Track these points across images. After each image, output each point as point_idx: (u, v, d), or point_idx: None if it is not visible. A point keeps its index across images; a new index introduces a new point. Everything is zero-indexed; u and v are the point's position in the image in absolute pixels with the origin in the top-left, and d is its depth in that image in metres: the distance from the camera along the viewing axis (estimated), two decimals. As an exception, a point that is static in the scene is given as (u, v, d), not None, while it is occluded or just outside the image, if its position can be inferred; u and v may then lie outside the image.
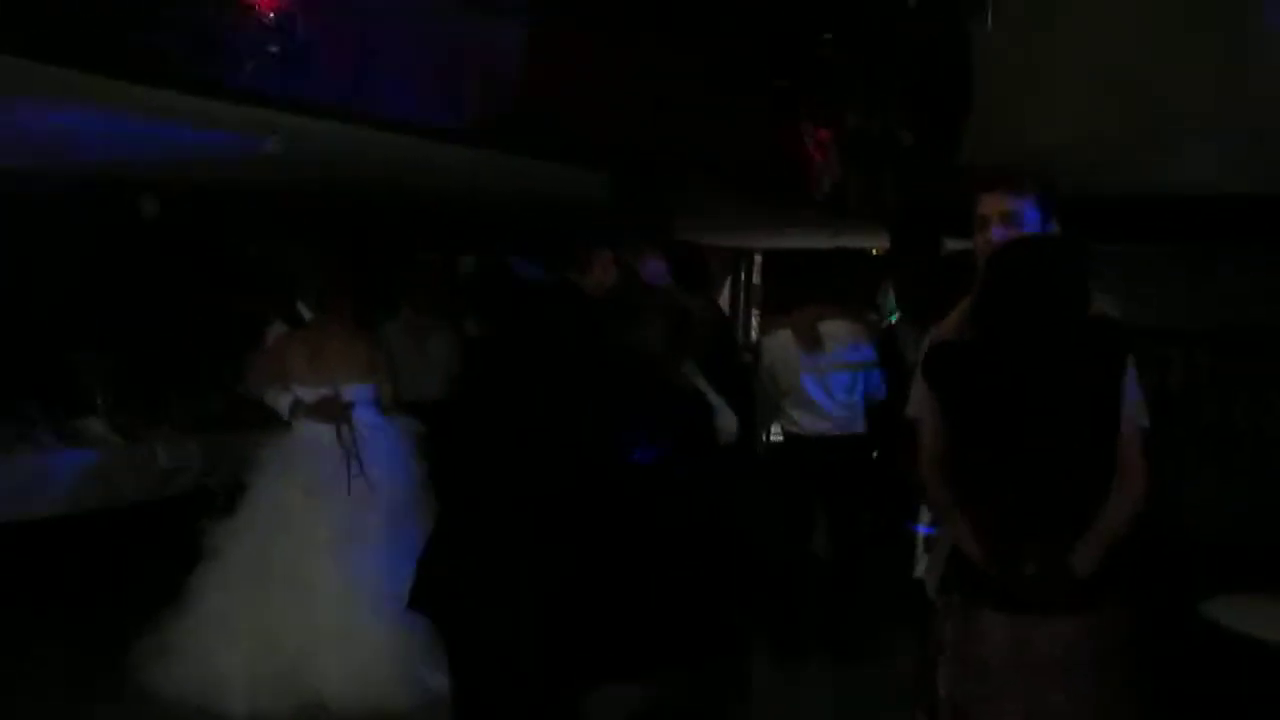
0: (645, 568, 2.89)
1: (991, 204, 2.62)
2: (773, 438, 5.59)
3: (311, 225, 7.38)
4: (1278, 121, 3.45)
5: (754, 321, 12.81)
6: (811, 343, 5.03)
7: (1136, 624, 2.52)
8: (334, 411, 4.54)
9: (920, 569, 6.89)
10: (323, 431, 4.53)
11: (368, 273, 6.08)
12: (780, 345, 5.14)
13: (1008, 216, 2.59)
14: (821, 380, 5.06)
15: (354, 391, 4.63)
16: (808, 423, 5.11)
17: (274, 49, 3.59)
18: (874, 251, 10.80)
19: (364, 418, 4.63)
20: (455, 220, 8.16)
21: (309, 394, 4.58)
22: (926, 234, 7.31)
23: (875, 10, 6.37)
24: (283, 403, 4.62)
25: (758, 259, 13.02)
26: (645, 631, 2.89)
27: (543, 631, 2.81)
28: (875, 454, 5.67)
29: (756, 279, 13.04)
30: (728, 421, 3.28)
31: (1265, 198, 3.46)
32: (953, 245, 7.19)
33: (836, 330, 5.09)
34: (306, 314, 5.14)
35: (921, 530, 7.32)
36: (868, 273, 8.27)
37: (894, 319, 6.99)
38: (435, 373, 6.02)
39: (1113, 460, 2.46)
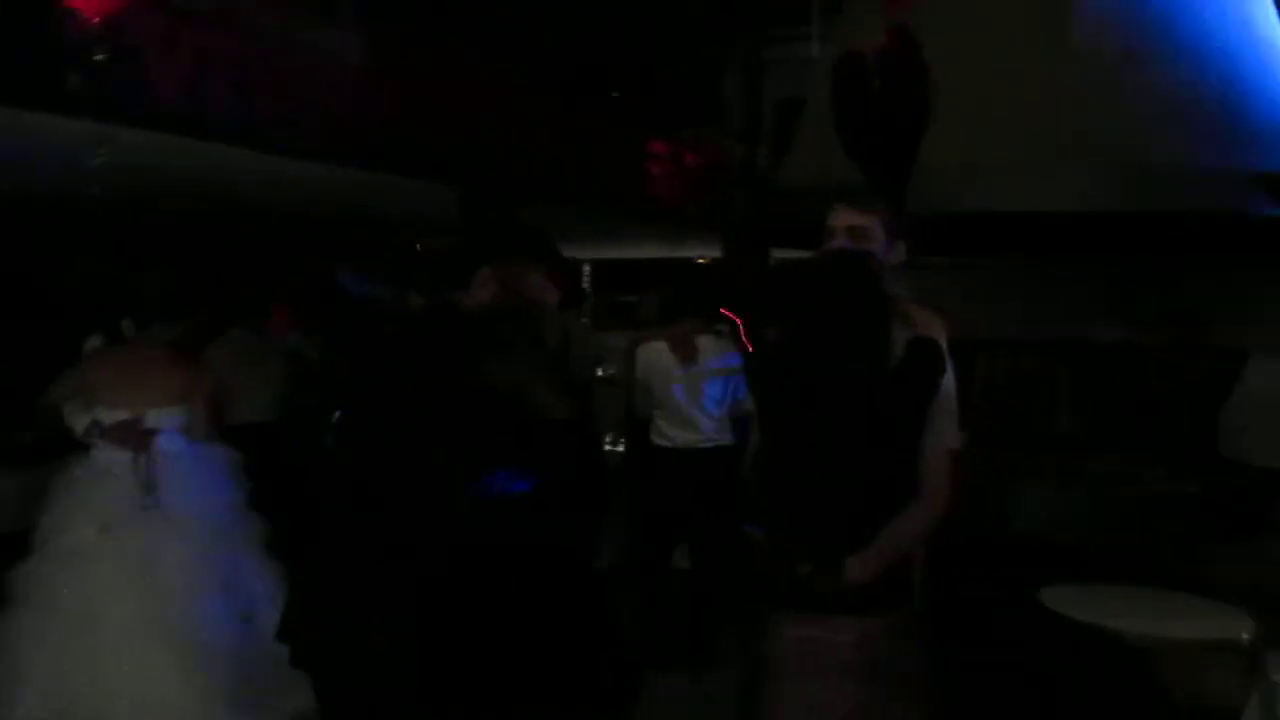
0: (508, 610, 2.76)
1: (840, 217, 2.67)
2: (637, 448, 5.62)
3: (141, 241, 6.97)
4: (1118, 148, 3.73)
5: (584, 322, 12.89)
6: (688, 356, 5.09)
7: (927, 626, 2.61)
8: (133, 438, 4.22)
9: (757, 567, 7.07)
10: (121, 458, 4.21)
11: (199, 290, 5.77)
12: (654, 357, 5.17)
13: (854, 231, 2.64)
14: (694, 393, 5.12)
15: (160, 417, 4.31)
16: (676, 435, 5.17)
17: (101, 57, 3.39)
18: (700, 260, 11.06)
19: (169, 446, 4.32)
20: (294, 236, 7.87)
21: (109, 416, 4.25)
22: (757, 244, 7.52)
23: (718, 27, 6.53)
24: (79, 422, 4.27)
25: (586, 268, 13.11)
26: (515, 676, 2.78)
27: (415, 679, 2.69)
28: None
29: (587, 288, 13.11)
30: None
31: (1104, 215, 3.74)
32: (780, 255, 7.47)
33: (708, 343, 5.17)
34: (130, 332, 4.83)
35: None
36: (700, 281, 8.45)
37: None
38: (267, 394, 5.80)
39: (909, 475, 2.52)
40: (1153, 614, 3.57)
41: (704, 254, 10.43)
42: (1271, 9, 4.58)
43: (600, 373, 5.54)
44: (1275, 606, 3.81)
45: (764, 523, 2.69)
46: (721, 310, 5.82)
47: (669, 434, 5.18)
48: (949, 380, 2.57)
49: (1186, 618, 3.58)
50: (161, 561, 4.11)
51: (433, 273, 3.13)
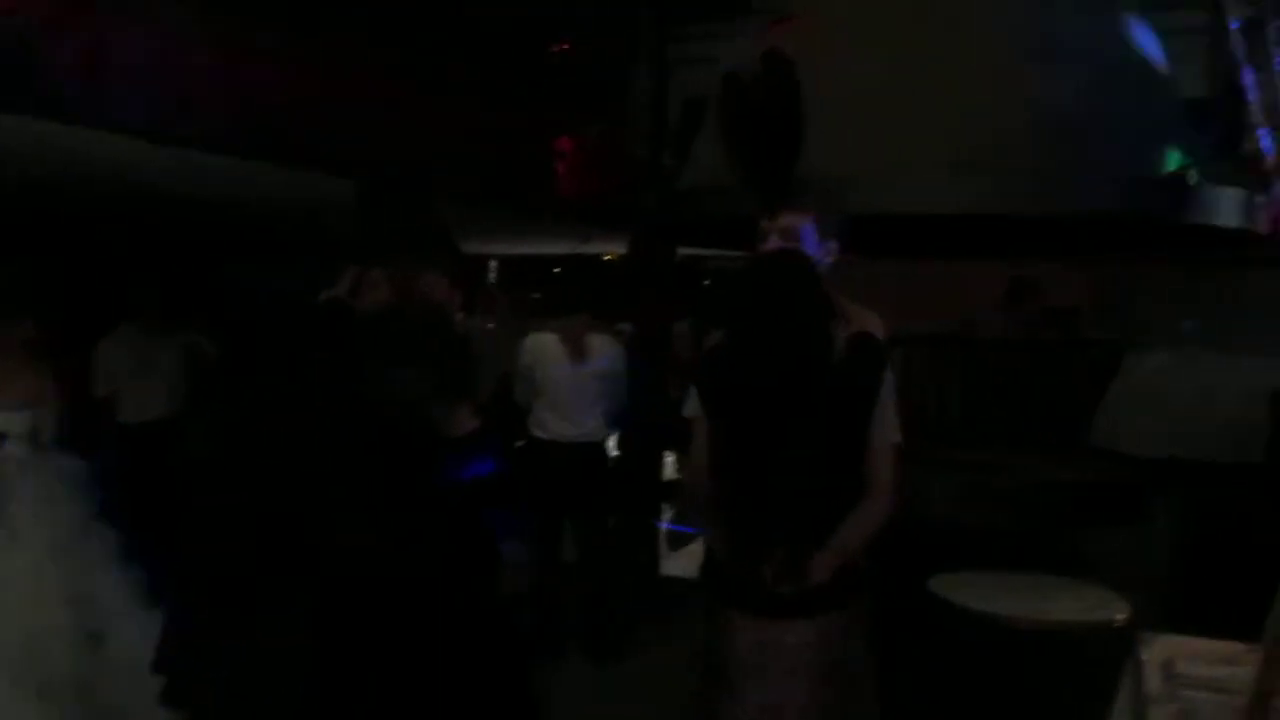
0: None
1: (774, 220, 2.68)
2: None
3: (25, 234, 6.70)
4: (1009, 152, 3.87)
5: (489, 328, 12.85)
6: (578, 353, 5.13)
7: (875, 624, 2.65)
8: None
9: (666, 566, 7.18)
10: None
11: (79, 285, 5.57)
12: (542, 348, 5.19)
13: (786, 232, 2.66)
14: (581, 389, 5.16)
15: (4, 421, 4.09)
16: (556, 428, 5.19)
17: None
18: (607, 257, 11.11)
19: (13, 453, 4.09)
20: (192, 230, 7.67)
21: None
22: (663, 242, 7.59)
23: (625, 24, 6.57)
24: None
25: (493, 264, 13.05)
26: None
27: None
28: (619, 458, 5.88)
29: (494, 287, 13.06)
30: None
31: (1002, 217, 3.89)
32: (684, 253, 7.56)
33: (599, 341, 5.21)
34: None
35: (666, 528, 7.64)
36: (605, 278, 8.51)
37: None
38: (160, 391, 5.67)
39: (859, 471, 2.57)
40: (1033, 598, 3.73)
41: (611, 250, 10.50)
42: (1145, 21, 4.82)
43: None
44: (1147, 588, 4.02)
45: (716, 526, 2.69)
46: (628, 311, 5.88)
47: (548, 426, 5.19)
48: (890, 375, 2.63)
49: (1065, 601, 3.74)
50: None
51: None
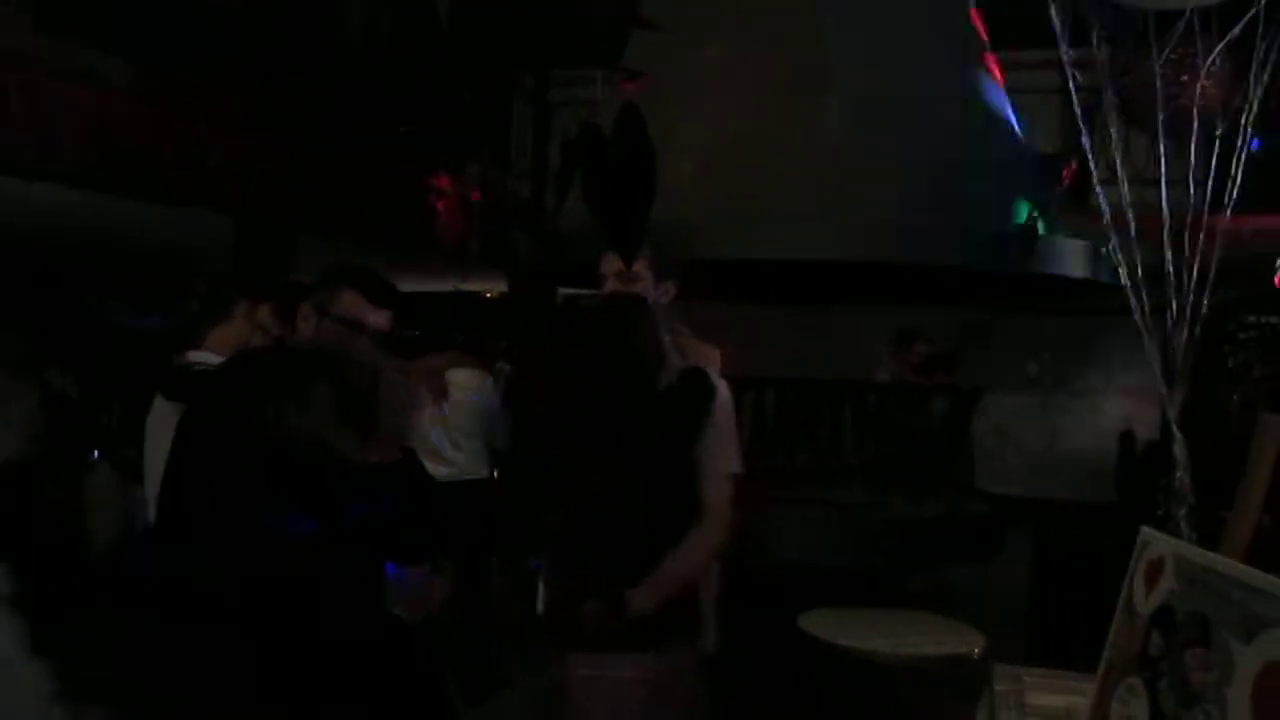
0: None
1: (610, 263, 2.78)
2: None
3: None
4: (866, 201, 4.04)
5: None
6: (439, 391, 5.09)
7: (735, 662, 2.70)
8: None
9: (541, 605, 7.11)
10: None
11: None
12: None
13: (624, 275, 2.74)
14: (446, 427, 5.11)
15: None
16: (429, 468, 5.12)
17: None
18: (488, 295, 11.08)
19: None
20: (53, 268, 7.36)
21: None
22: (541, 282, 7.61)
23: (505, 66, 6.60)
24: None
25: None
26: None
27: None
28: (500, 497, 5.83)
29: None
30: None
31: (853, 264, 4.04)
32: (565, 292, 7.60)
33: (462, 377, 5.18)
34: None
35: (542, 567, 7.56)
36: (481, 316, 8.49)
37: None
38: (11, 434, 5.42)
39: (688, 503, 2.57)
40: (895, 633, 3.84)
41: (491, 289, 10.48)
42: (1000, 79, 5.11)
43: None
44: (1005, 621, 4.19)
45: (545, 560, 2.71)
46: (507, 349, 5.87)
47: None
48: (724, 407, 2.65)
49: (926, 636, 3.87)
50: None
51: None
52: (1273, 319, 7.39)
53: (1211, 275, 2.69)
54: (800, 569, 4.07)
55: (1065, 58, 2.80)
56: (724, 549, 2.64)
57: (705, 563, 2.63)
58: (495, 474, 5.35)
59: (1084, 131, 2.94)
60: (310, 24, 5.64)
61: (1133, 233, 2.78)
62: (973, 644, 3.77)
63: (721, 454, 2.64)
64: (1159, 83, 2.69)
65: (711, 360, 2.71)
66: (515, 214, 7.03)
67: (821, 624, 3.88)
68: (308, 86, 5.53)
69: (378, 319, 2.64)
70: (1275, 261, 6.73)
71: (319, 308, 2.61)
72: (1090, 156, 2.92)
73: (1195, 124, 2.71)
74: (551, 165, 7.06)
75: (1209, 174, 2.74)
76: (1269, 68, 2.62)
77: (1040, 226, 4.40)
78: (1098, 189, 2.88)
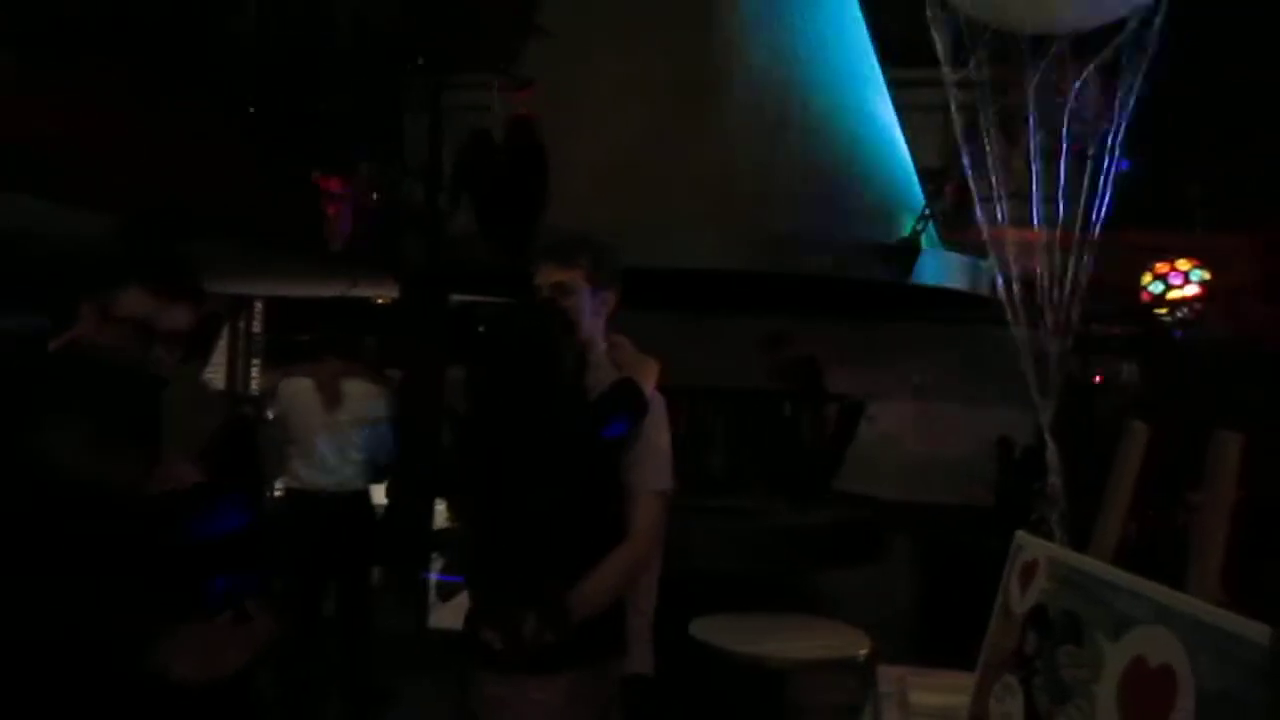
0: None
1: (545, 274, 2.71)
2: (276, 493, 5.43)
3: None
4: (758, 211, 4.10)
5: (254, 373, 12.30)
6: (333, 399, 4.97)
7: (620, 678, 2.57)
8: None
9: (434, 617, 7.02)
10: None
11: None
12: (296, 395, 5.00)
13: (559, 287, 2.68)
14: (336, 437, 5.00)
15: None
16: (310, 478, 5.00)
17: None
18: (379, 301, 10.89)
19: None
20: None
21: None
22: (433, 288, 7.53)
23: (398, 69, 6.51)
24: None
25: (258, 306, 12.53)
26: None
27: None
28: (388, 508, 5.75)
29: (257, 327, 12.53)
30: None
31: (751, 274, 4.09)
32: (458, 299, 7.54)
33: (355, 387, 5.07)
34: None
35: (435, 579, 7.49)
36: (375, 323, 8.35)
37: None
38: None
39: (615, 520, 2.51)
40: (786, 638, 3.92)
41: (383, 294, 10.30)
42: (887, 96, 5.26)
43: (270, 415, 5.28)
44: (889, 623, 4.30)
45: (466, 578, 2.64)
46: (398, 357, 5.77)
47: (303, 476, 5.01)
48: (656, 421, 2.59)
49: (814, 640, 3.95)
50: None
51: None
52: (1139, 330, 7.75)
53: (1083, 289, 2.81)
54: (691, 576, 4.09)
55: (947, 78, 2.90)
56: (647, 565, 2.56)
57: (623, 581, 2.53)
58: (384, 486, 5.24)
59: (964, 150, 3.04)
60: (199, 15, 5.47)
61: (1009, 248, 2.89)
62: (859, 646, 3.87)
63: (650, 469, 2.57)
64: (1031, 104, 2.81)
65: (646, 373, 2.66)
66: (408, 219, 6.92)
67: (712, 630, 3.94)
68: (193, 80, 5.36)
69: (171, 318, 2.25)
70: (1141, 276, 7.08)
71: (100, 308, 2.20)
72: (970, 174, 3.02)
73: (1064, 144, 2.84)
74: (445, 170, 7.03)
75: (1080, 192, 2.86)
76: (1135, 91, 2.75)
77: (922, 240, 4.54)
78: (977, 205, 2.98)
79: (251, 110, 5.87)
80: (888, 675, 2.92)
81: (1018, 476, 6.47)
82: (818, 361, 5.67)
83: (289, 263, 7.61)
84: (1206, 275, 6.96)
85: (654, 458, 2.59)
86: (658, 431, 2.61)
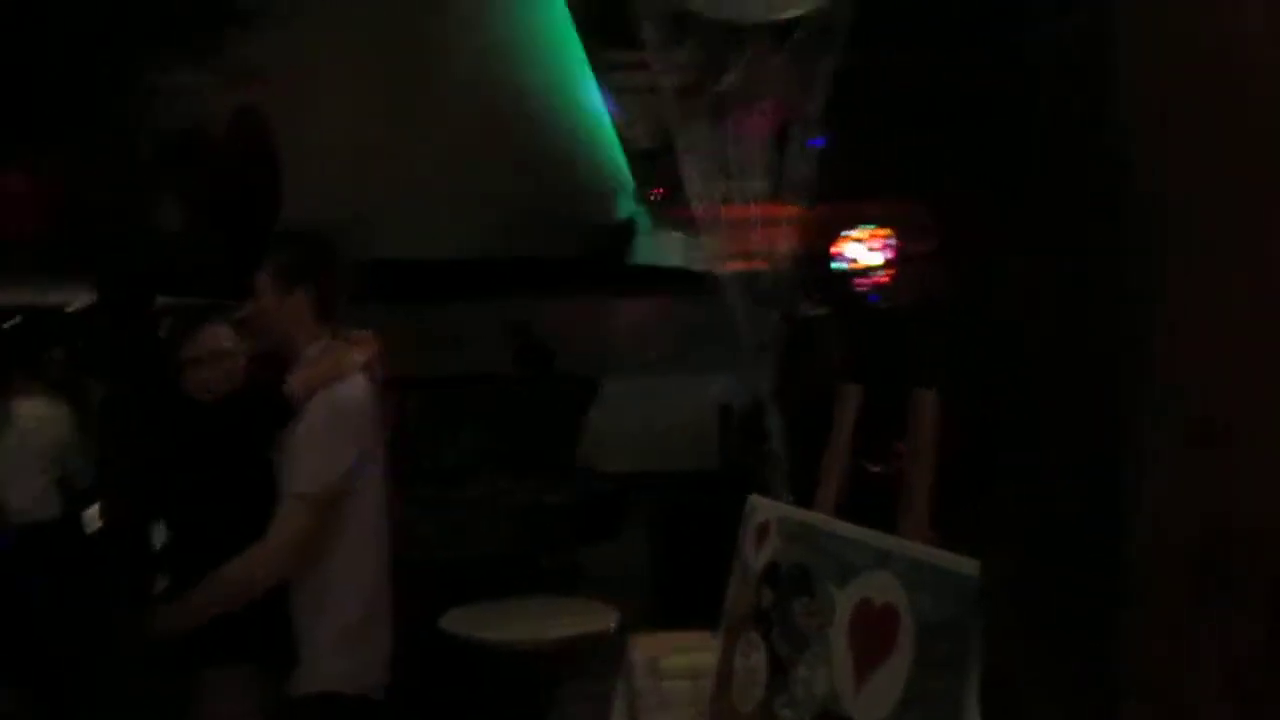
0: None
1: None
2: None
3: None
4: (490, 198, 4.08)
5: None
6: None
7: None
8: None
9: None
10: None
11: None
12: None
13: (248, 287, 2.62)
14: (5, 460, 4.47)
15: None
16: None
17: None
18: (70, 309, 9.98)
19: None
20: None
21: None
22: (136, 291, 6.99)
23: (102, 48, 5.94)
24: None
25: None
26: None
27: None
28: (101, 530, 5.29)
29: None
30: None
31: (472, 261, 4.06)
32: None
33: (29, 407, 4.57)
34: None
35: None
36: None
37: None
38: None
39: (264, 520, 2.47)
40: (536, 620, 3.95)
41: (75, 301, 9.45)
42: (594, 81, 5.35)
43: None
44: (635, 592, 4.43)
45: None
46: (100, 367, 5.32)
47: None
48: (316, 421, 2.50)
49: (564, 618, 4.01)
50: None
51: None
52: (841, 297, 8.34)
53: (789, 261, 3.01)
54: (439, 569, 4.06)
55: (656, 63, 3.00)
56: (283, 570, 2.48)
57: (246, 583, 2.46)
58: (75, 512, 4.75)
59: (675, 132, 3.16)
60: None
61: (719, 225, 3.04)
62: (608, 619, 3.96)
63: (296, 471, 2.48)
64: (735, 87, 2.96)
65: (323, 372, 2.56)
66: (104, 217, 6.37)
67: (462, 622, 3.91)
68: None
69: None
70: (841, 246, 7.61)
71: None
72: (681, 154, 3.15)
73: (764, 126, 3.02)
74: (150, 166, 6.51)
75: (777, 170, 3.05)
76: (824, 78, 2.96)
77: (639, 220, 4.69)
78: (688, 185, 3.12)
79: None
80: (639, 643, 3.03)
81: (739, 440, 6.82)
82: (549, 346, 5.75)
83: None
84: (898, 243, 7.57)
85: (300, 460, 2.49)
86: (310, 433, 2.50)
